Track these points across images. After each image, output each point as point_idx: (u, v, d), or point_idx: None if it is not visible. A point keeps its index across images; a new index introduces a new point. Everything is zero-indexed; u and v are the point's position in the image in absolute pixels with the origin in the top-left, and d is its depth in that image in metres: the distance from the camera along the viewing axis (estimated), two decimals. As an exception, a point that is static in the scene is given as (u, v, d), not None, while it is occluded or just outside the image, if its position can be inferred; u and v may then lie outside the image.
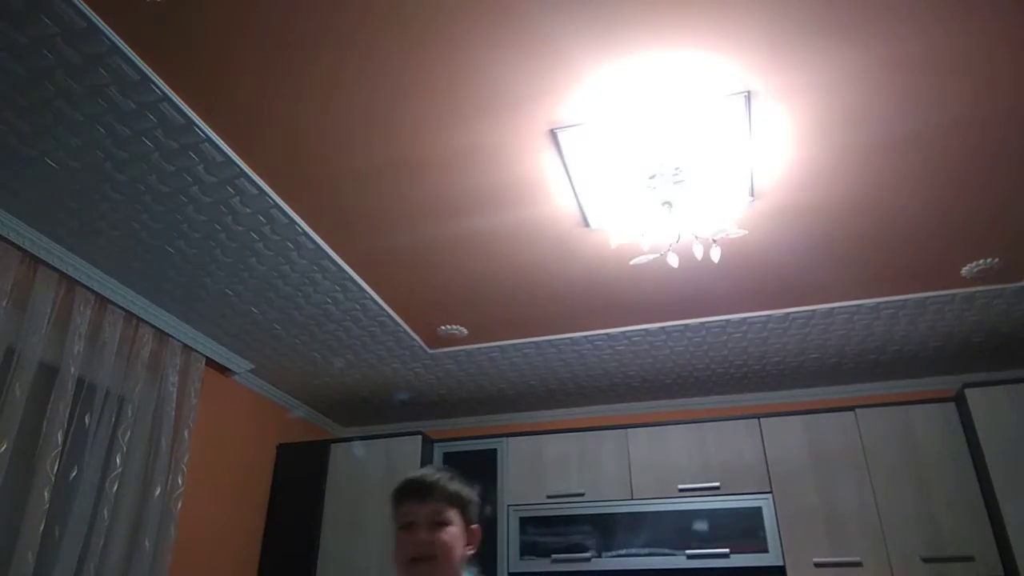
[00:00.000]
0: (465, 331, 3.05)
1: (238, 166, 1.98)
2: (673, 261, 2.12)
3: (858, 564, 2.85)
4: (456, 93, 1.75)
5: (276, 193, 2.11)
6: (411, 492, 1.32)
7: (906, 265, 2.53)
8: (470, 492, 1.37)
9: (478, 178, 2.06)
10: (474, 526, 1.35)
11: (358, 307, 2.80)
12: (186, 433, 2.83)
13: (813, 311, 2.85)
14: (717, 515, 3.07)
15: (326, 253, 2.42)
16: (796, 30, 1.57)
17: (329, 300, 2.73)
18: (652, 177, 2.00)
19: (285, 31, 1.57)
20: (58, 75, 1.66)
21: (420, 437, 3.47)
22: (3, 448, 2.07)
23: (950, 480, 2.88)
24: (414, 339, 3.10)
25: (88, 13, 1.50)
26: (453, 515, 1.30)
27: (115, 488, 2.48)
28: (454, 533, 1.29)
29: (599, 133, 1.87)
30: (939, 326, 2.96)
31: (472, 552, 1.33)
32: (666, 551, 3.06)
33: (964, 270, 2.56)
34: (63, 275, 2.37)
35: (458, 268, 2.56)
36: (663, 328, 3.00)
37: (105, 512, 2.42)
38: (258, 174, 2.03)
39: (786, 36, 1.58)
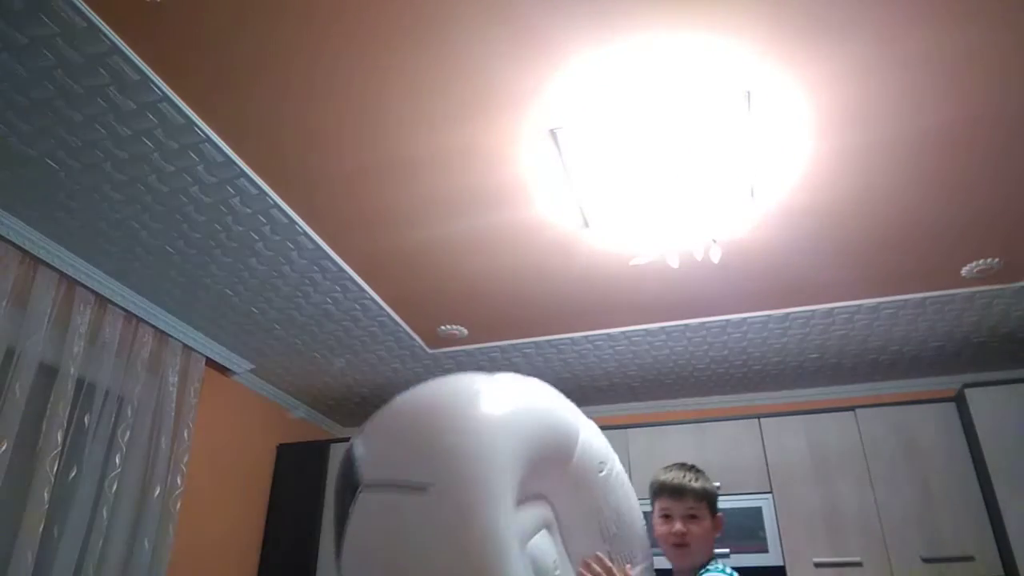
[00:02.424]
0: (465, 331, 3.05)
1: (238, 166, 1.98)
2: (673, 261, 2.12)
3: (858, 564, 2.85)
4: (456, 93, 1.74)
5: (276, 193, 2.11)
6: (669, 491, 1.64)
7: (906, 265, 2.53)
8: (712, 486, 1.67)
9: (478, 178, 2.06)
10: (719, 514, 1.65)
11: (358, 307, 2.80)
12: (186, 433, 2.83)
13: (813, 311, 2.85)
14: (717, 515, 3.07)
15: (326, 253, 2.42)
16: (797, 29, 1.57)
17: (329, 300, 2.73)
18: (652, 177, 2.00)
19: (284, 31, 1.57)
20: (58, 75, 1.66)
21: (420, 437, 3.46)
22: (3, 448, 2.07)
23: (950, 480, 2.88)
24: (414, 339, 3.10)
25: (88, 13, 1.50)
26: (702, 509, 1.61)
27: (114, 488, 2.48)
28: (705, 526, 1.60)
29: (599, 133, 1.86)
30: (939, 326, 2.96)
31: (718, 535, 1.63)
32: (666, 551, 3.05)
33: (964, 270, 2.56)
34: (63, 275, 2.37)
35: (458, 268, 2.56)
36: (663, 328, 3.00)
37: (104, 512, 2.42)
38: (258, 174, 2.03)
39: (787, 35, 1.58)
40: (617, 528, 1.47)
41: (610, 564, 1.42)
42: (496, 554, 1.02)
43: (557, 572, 1.29)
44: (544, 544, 1.28)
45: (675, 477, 1.65)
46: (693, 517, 1.60)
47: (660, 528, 1.63)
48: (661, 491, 1.66)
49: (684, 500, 1.61)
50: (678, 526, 1.59)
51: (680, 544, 1.58)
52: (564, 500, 1.38)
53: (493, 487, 1.07)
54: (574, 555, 1.39)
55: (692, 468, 1.68)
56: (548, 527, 1.34)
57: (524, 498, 1.22)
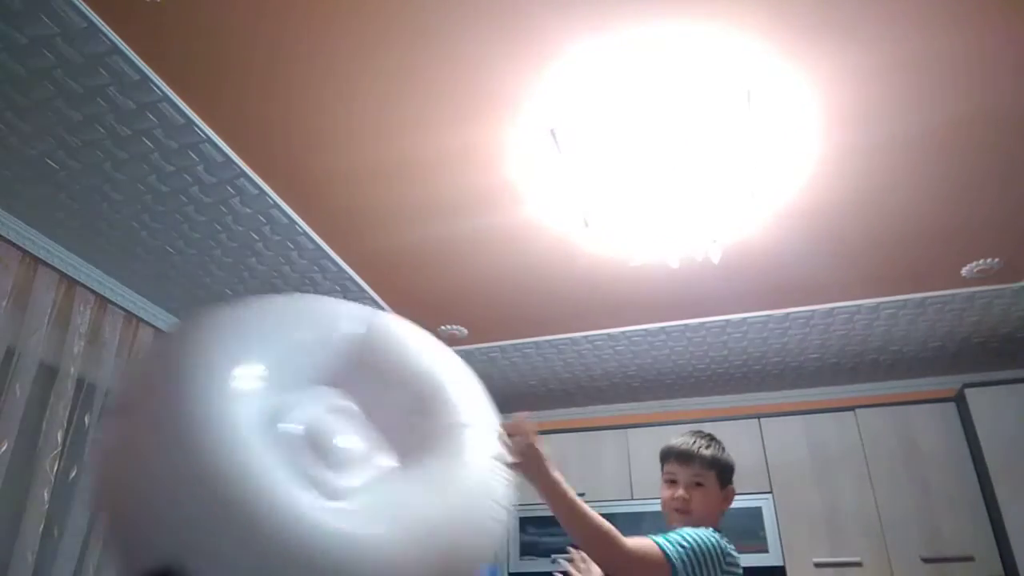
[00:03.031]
0: (465, 331, 3.05)
1: (238, 166, 1.97)
2: (673, 262, 2.12)
3: (858, 564, 2.85)
4: (455, 93, 1.74)
5: (276, 193, 2.11)
6: (675, 455, 1.59)
7: (906, 265, 2.53)
8: (726, 457, 1.60)
9: (478, 178, 2.06)
10: (729, 486, 1.59)
11: (358, 307, 2.79)
12: (186, 433, 2.83)
13: (813, 311, 2.85)
14: (717, 515, 3.07)
15: (326, 253, 2.42)
16: (798, 28, 1.57)
17: (329, 300, 2.73)
18: (652, 177, 2.00)
19: (284, 32, 1.57)
20: (58, 75, 1.66)
21: (420, 437, 3.47)
22: (3, 448, 2.07)
23: (950, 480, 2.89)
24: (414, 339, 3.09)
25: (88, 13, 1.50)
26: (710, 477, 1.55)
27: (115, 488, 2.47)
28: (710, 494, 1.55)
29: (599, 132, 1.86)
30: (939, 326, 2.95)
31: (726, 508, 1.59)
32: (666, 551, 3.05)
33: (964, 270, 2.55)
34: (63, 275, 2.37)
35: (458, 268, 2.56)
36: (663, 328, 2.99)
37: (105, 512, 2.42)
38: (258, 174, 2.03)
39: (788, 34, 1.58)
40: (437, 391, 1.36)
41: (528, 423, 1.42)
42: (209, 448, 1.00)
43: (353, 453, 1.22)
44: (328, 421, 1.22)
45: (684, 442, 1.59)
46: (699, 484, 1.55)
47: (664, 493, 1.59)
48: (668, 455, 1.61)
49: (691, 466, 1.55)
50: (680, 492, 1.54)
51: (682, 511, 1.54)
52: (363, 385, 1.29)
53: (203, 390, 1.02)
54: (390, 431, 1.28)
55: (707, 436, 1.62)
56: (344, 412, 1.27)
57: (296, 387, 1.16)
